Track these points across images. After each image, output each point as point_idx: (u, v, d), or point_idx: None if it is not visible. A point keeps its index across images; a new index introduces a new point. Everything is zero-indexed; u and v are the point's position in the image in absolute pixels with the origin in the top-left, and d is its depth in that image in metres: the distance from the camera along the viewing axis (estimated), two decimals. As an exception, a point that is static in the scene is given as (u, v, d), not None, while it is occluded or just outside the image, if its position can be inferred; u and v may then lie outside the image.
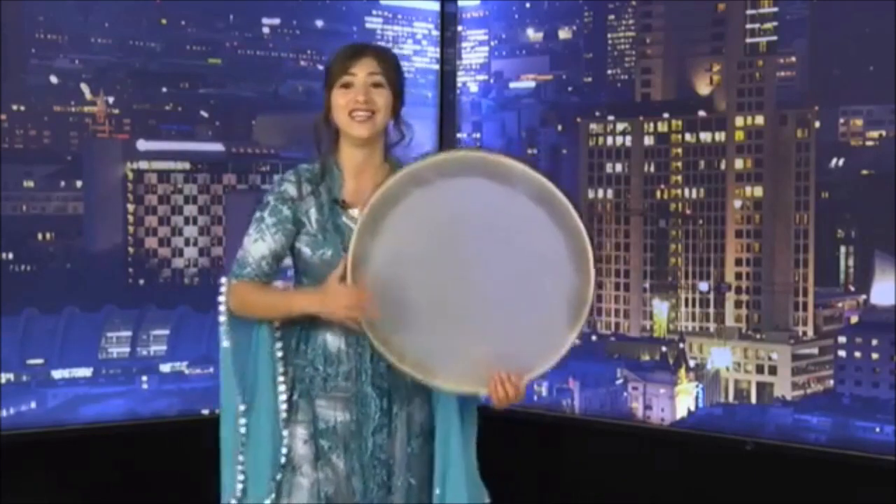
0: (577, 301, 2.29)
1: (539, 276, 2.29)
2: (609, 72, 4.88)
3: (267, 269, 2.37)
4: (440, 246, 2.29)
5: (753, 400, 4.35)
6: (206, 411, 4.34)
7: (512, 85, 5.13)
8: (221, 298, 2.37)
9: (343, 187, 2.42)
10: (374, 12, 5.00)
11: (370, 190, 2.33)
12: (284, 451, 2.39)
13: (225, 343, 2.39)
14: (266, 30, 4.75)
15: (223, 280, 2.39)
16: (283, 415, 2.39)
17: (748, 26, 4.39)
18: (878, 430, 3.93)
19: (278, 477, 2.39)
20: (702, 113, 4.51)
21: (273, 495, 2.38)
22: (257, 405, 2.38)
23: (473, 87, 5.13)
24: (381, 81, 2.37)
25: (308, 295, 2.34)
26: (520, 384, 2.33)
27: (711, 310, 4.44)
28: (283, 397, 2.39)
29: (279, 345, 2.40)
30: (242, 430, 2.38)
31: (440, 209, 2.28)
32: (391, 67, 2.40)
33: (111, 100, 4.41)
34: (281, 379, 2.39)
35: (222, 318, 2.38)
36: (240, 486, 2.40)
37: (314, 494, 2.38)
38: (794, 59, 4.40)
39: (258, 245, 2.37)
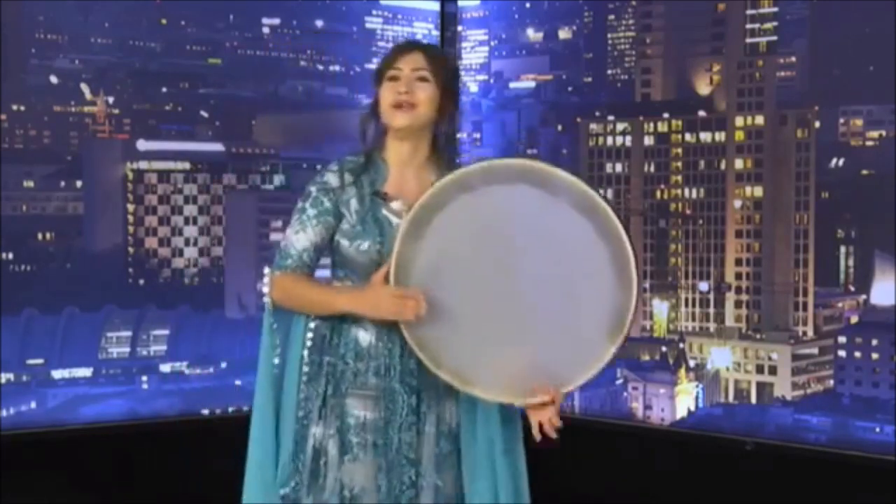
0: (619, 314, 2.27)
1: (581, 287, 2.27)
2: (609, 72, 4.88)
3: (308, 261, 2.37)
4: (482, 252, 2.28)
5: (753, 400, 4.35)
6: (206, 411, 4.34)
7: (512, 85, 5.13)
8: (266, 290, 2.37)
9: (386, 180, 2.41)
10: (374, 12, 5.00)
11: (413, 185, 2.35)
12: (312, 445, 2.39)
13: (266, 335, 2.39)
14: (266, 30, 4.76)
15: (266, 271, 2.40)
16: (307, 411, 2.40)
17: (748, 26, 4.39)
18: (878, 430, 3.93)
19: (303, 470, 2.39)
20: (702, 113, 4.51)
21: (293, 483, 2.39)
22: (286, 397, 2.39)
23: (473, 87, 5.13)
24: (426, 76, 2.36)
25: (352, 295, 2.34)
26: (557, 397, 2.32)
27: (711, 310, 4.44)
28: (304, 394, 2.40)
29: (309, 335, 2.40)
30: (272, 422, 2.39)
31: (484, 216, 2.27)
32: (439, 65, 2.39)
33: (111, 100, 4.41)
34: (307, 370, 2.40)
35: (267, 309, 2.39)
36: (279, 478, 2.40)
37: (339, 490, 2.38)
38: (794, 59, 4.40)
39: (300, 237, 2.37)
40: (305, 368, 2.39)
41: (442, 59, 2.41)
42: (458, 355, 2.29)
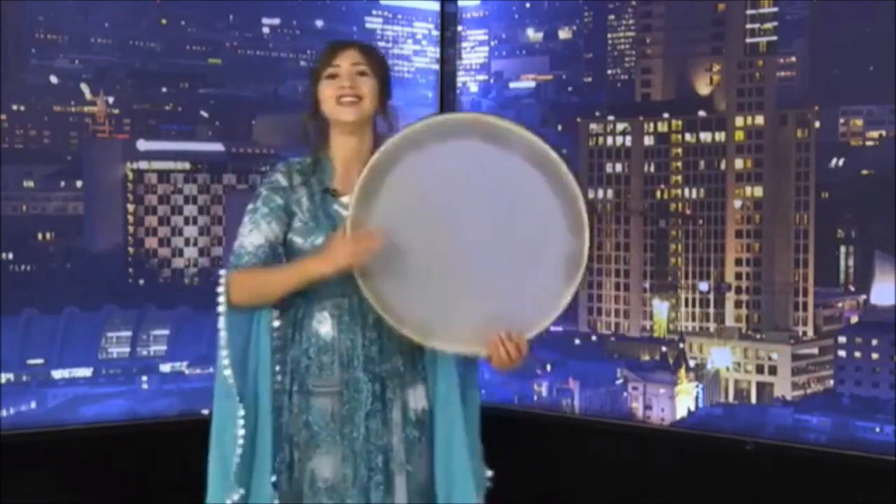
0: (574, 260, 2.32)
1: (536, 237, 2.33)
2: (609, 72, 4.88)
3: (264, 257, 2.40)
4: (437, 208, 2.32)
5: (753, 400, 4.35)
6: (206, 411, 4.31)
7: (512, 85, 5.13)
8: (220, 290, 2.38)
9: (333, 177, 2.46)
10: (374, 12, 5.00)
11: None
12: (289, 440, 2.43)
13: (223, 337, 2.40)
14: (266, 30, 4.75)
15: (222, 273, 2.40)
16: (278, 405, 2.42)
17: (748, 26, 4.39)
18: (878, 430, 3.93)
19: (283, 467, 2.42)
20: (702, 113, 4.51)
21: (273, 481, 2.40)
22: (258, 398, 2.40)
23: (473, 87, 5.13)
24: (365, 70, 2.42)
25: (311, 259, 2.36)
26: (520, 343, 2.35)
27: (711, 310, 4.44)
28: (277, 388, 2.41)
29: (276, 334, 2.43)
30: (241, 421, 2.39)
31: (437, 171, 2.31)
32: (375, 59, 2.45)
33: (111, 100, 4.41)
34: (277, 368, 2.42)
35: (221, 310, 2.40)
36: (234, 481, 2.41)
37: (310, 481, 2.41)
38: (794, 59, 4.40)
39: (254, 234, 2.41)
40: (277, 367, 2.43)
41: (376, 53, 2.47)
42: (420, 310, 2.33)
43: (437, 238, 2.32)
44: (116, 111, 4.43)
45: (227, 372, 2.38)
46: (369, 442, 2.41)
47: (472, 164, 2.31)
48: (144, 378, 4.41)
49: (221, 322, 2.39)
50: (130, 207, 4.47)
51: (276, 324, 2.42)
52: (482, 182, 2.31)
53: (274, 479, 2.41)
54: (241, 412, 2.39)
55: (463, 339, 2.37)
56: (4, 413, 4.05)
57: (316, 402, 2.42)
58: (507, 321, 2.34)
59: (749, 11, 4.39)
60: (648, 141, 4.64)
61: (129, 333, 4.42)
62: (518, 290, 2.34)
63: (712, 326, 4.43)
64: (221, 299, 2.39)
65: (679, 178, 4.54)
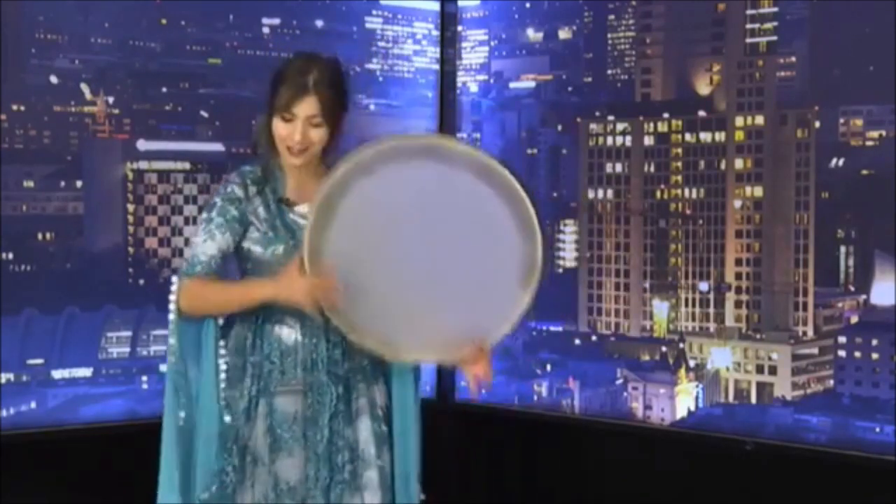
0: (528, 265, 2.40)
1: (489, 246, 2.40)
2: (609, 72, 4.88)
3: (216, 267, 2.42)
4: (391, 229, 2.38)
5: (753, 400, 4.35)
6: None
7: (512, 85, 5.13)
8: (172, 297, 2.41)
9: (286, 187, 2.48)
10: (374, 12, 5.00)
11: (312, 187, 2.41)
12: (240, 445, 2.44)
13: (172, 341, 2.44)
14: (266, 30, 4.75)
15: (174, 279, 2.42)
16: (233, 412, 2.44)
17: (748, 26, 4.39)
18: (878, 430, 3.93)
19: (229, 470, 2.43)
20: (702, 113, 4.51)
21: (213, 488, 2.41)
22: (203, 401, 2.43)
23: (473, 87, 5.13)
24: (319, 122, 2.41)
25: (267, 284, 2.39)
26: (484, 347, 2.43)
27: (711, 310, 4.44)
28: (225, 396, 2.44)
29: (226, 340, 2.47)
30: (181, 423, 2.44)
31: (388, 194, 2.36)
32: (332, 105, 2.41)
33: (111, 100, 4.41)
34: (224, 374, 2.45)
35: (172, 317, 2.44)
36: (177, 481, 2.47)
37: (273, 484, 2.44)
38: (794, 59, 4.40)
39: (208, 244, 2.42)
40: (224, 374, 2.45)
41: (335, 97, 2.41)
42: (385, 329, 2.40)
43: (393, 257, 2.38)
44: (116, 111, 4.43)
45: (172, 377, 2.43)
46: (332, 443, 2.45)
47: (423, 183, 2.37)
48: (144, 378, 4.41)
49: (171, 328, 2.44)
50: (130, 207, 4.47)
51: (234, 330, 2.46)
52: (433, 200, 2.38)
53: (203, 496, 2.43)
54: (183, 413, 2.44)
55: (427, 350, 2.46)
56: (4, 413, 4.05)
57: (279, 403, 2.44)
58: (470, 329, 2.42)
59: (749, 11, 4.39)
60: (648, 141, 4.64)
61: (129, 333, 4.42)
62: (477, 300, 2.42)
63: (712, 326, 4.43)
64: (172, 307, 2.42)
65: (679, 178, 4.54)
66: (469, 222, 2.39)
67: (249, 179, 2.46)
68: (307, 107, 2.39)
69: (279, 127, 2.42)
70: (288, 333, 2.44)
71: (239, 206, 2.43)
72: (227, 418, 2.43)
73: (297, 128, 2.39)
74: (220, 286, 2.43)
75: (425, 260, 2.39)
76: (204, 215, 2.45)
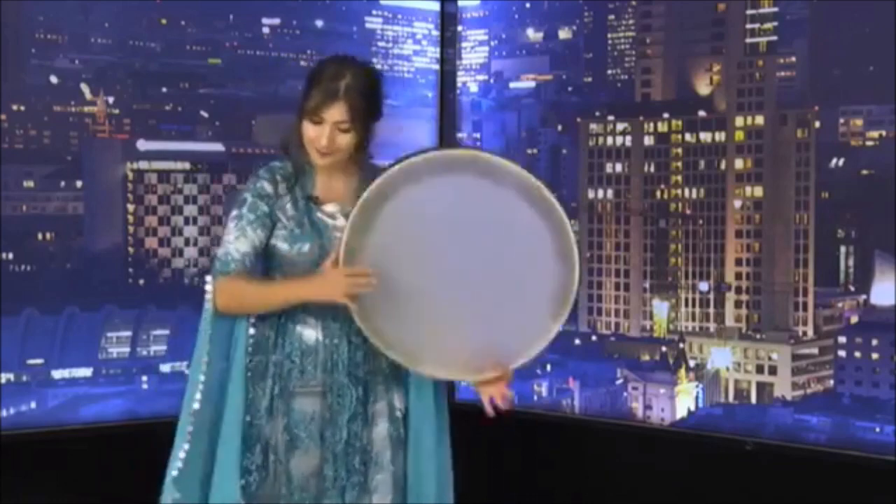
0: (562, 293, 2.39)
1: (525, 269, 2.39)
2: (609, 72, 4.88)
3: (250, 265, 2.42)
4: (430, 240, 2.37)
5: (753, 400, 4.35)
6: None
7: (512, 85, 5.13)
8: (208, 297, 2.41)
9: (315, 185, 2.48)
10: (374, 12, 5.00)
11: (340, 186, 2.44)
12: (262, 443, 2.44)
13: (203, 338, 2.44)
14: (266, 30, 4.75)
15: (208, 279, 2.41)
16: (256, 410, 2.44)
17: (748, 26, 4.39)
18: (878, 430, 3.93)
19: (252, 468, 2.42)
20: (702, 113, 4.51)
21: (242, 483, 2.41)
22: (226, 402, 2.42)
23: (473, 87, 5.13)
24: (348, 128, 2.40)
25: (304, 284, 2.39)
26: (506, 372, 2.42)
27: (711, 310, 4.44)
28: (251, 395, 2.43)
29: (251, 339, 2.45)
30: (202, 415, 2.42)
31: (430, 205, 2.35)
32: (362, 111, 2.40)
33: (111, 100, 4.41)
34: (249, 373, 2.44)
35: (207, 317, 2.43)
36: (176, 472, 2.48)
37: (286, 482, 2.44)
38: (794, 59, 4.40)
39: (241, 242, 2.42)
40: (249, 372, 2.44)
41: (365, 102, 2.40)
42: (409, 338, 2.38)
43: (428, 269, 2.37)
44: (116, 111, 4.43)
45: (202, 377, 2.41)
46: (349, 444, 2.44)
47: (466, 198, 2.36)
48: (144, 378, 4.41)
49: (206, 327, 2.43)
50: (130, 207, 4.47)
51: (253, 330, 2.45)
52: (475, 215, 2.37)
53: (244, 479, 2.42)
54: (196, 406, 2.42)
55: (450, 367, 2.44)
56: (4, 413, 4.05)
57: (297, 404, 2.44)
58: (495, 350, 2.41)
59: (749, 11, 4.39)
60: (648, 141, 4.64)
61: (129, 333, 4.42)
62: (506, 322, 2.41)
63: (712, 326, 4.43)
64: (208, 306, 2.42)
65: (679, 178, 4.54)
66: (507, 242, 2.38)
67: (279, 175, 2.46)
68: (336, 112, 2.38)
69: (308, 129, 2.42)
70: (310, 333, 2.44)
71: (268, 201, 2.43)
72: (247, 417, 2.43)
73: (324, 132, 2.39)
74: (257, 287, 2.43)
75: (459, 275, 2.38)
76: (234, 212, 2.44)
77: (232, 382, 2.42)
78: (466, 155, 2.41)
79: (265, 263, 2.47)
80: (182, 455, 2.46)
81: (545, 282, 2.38)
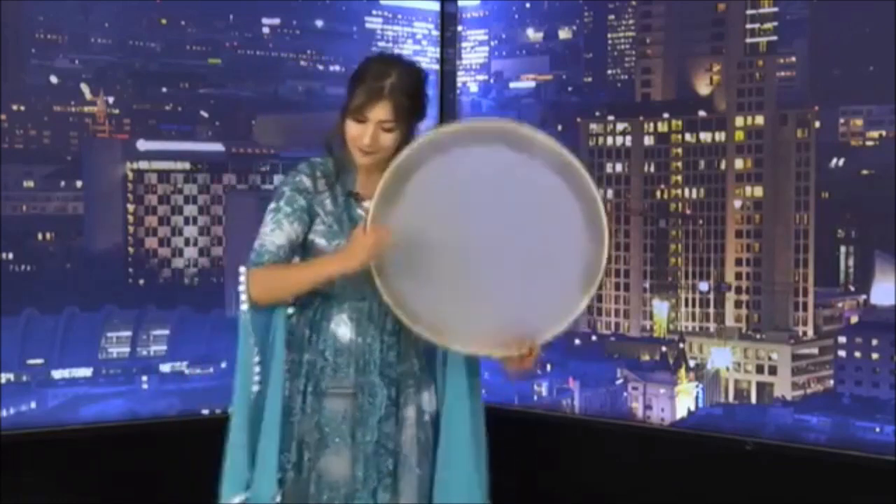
0: (591, 267, 2.36)
1: (554, 243, 2.36)
2: (609, 72, 4.88)
3: (284, 257, 2.41)
4: (458, 212, 2.35)
5: (753, 400, 4.35)
6: (206, 411, 4.34)
7: (512, 85, 5.13)
8: (242, 288, 2.39)
9: (356, 181, 2.47)
10: (374, 12, 5.00)
11: None
12: (297, 440, 2.44)
13: (246, 332, 2.40)
14: (266, 30, 4.75)
15: (242, 270, 2.40)
16: (291, 407, 2.43)
17: (748, 26, 4.39)
18: (878, 430, 3.93)
19: (288, 466, 2.43)
20: (702, 113, 4.51)
21: (278, 484, 2.41)
22: (266, 398, 2.41)
23: (473, 87, 5.13)
24: (391, 127, 2.38)
25: (331, 258, 2.38)
26: (534, 347, 2.38)
27: (711, 310, 4.44)
28: (288, 391, 2.43)
29: (290, 337, 2.45)
30: (252, 397, 2.40)
31: (458, 176, 2.33)
32: (406, 111, 2.39)
33: (111, 100, 4.41)
34: (286, 367, 2.43)
35: (244, 308, 2.40)
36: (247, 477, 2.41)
37: (317, 480, 2.43)
38: (794, 59, 4.40)
39: (276, 234, 2.41)
40: (286, 365, 2.43)
41: (409, 101, 2.39)
42: (436, 311, 2.35)
43: (456, 241, 2.35)
44: (116, 111, 4.43)
45: (257, 368, 2.39)
46: (380, 445, 2.43)
47: (495, 169, 2.33)
48: (144, 378, 4.41)
49: (244, 320, 2.40)
50: (130, 207, 4.47)
51: (291, 324, 2.44)
52: (503, 188, 2.34)
53: (280, 475, 2.42)
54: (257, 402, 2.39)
55: (477, 341, 2.39)
56: (4, 413, 4.05)
57: (328, 403, 2.43)
58: (522, 325, 2.37)
59: (749, 11, 4.39)
60: (648, 141, 4.64)
61: (129, 333, 4.42)
62: (534, 295, 2.37)
63: (712, 326, 4.43)
64: (243, 297, 2.39)
65: (679, 178, 4.54)
66: (537, 214, 2.35)
67: (320, 171, 2.45)
68: (380, 111, 2.37)
69: (351, 127, 2.40)
70: (344, 332, 2.44)
71: (307, 196, 2.42)
72: (286, 412, 2.42)
73: (368, 131, 2.37)
74: (286, 268, 2.40)
75: (487, 247, 2.35)
76: (272, 205, 2.43)
77: (272, 378, 2.41)
78: (497, 126, 2.37)
79: (303, 259, 2.45)
80: (274, 449, 2.41)
81: (575, 254, 2.35)
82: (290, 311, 2.44)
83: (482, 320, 2.37)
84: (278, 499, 2.41)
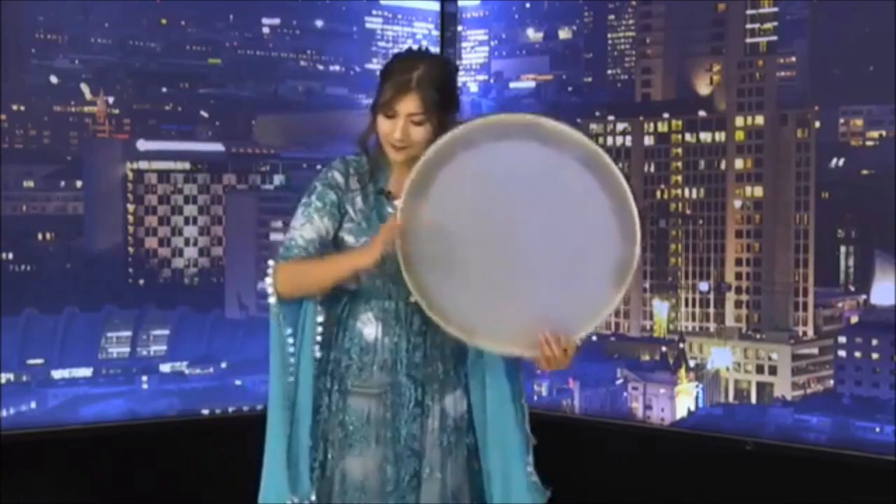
0: (623, 264, 2.31)
1: (586, 239, 2.32)
2: (609, 72, 4.88)
3: (314, 251, 2.38)
4: (487, 207, 2.31)
5: (753, 400, 4.35)
6: (206, 411, 4.34)
7: (512, 85, 5.13)
8: (269, 281, 2.37)
9: (388, 179, 2.45)
10: (374, 12, 5.01)
11: None
12: (324, 439, 2.43)
13: (277, 323, 2.38)
14: (266, 30, 4.76)
15: (270, 263, 2.39)
16: (318, 405, 2.42)
17: (748, 26, 4.39)
18: (878, 430, 3.93)
19: (315, 465, 2.42)
20: (702, 113, 4.51)
21: (307, 477, 2.40)
22: (297, 396, 2.40)
23: (473, 87, 5.13)
24: (421, 120, 2.36)
25: (355, 252, 2.36)
26: (568, 345, 2.36)
27: (711, 310, 4.44)
28: (316, 389, 2.41)
29: (319, 329, 2.42)
30: (289, 385, 2.38)
31: (488, 171, 2.30)
32: (435, 103, 2.36)
33: (111, 100, 4.41)
34: (315, 363, 2.41)
35: (272, 301, 2.38)
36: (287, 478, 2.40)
37: (341, 480, 2.42)
38: (794, 59, 4.40)
39: (306, 228, 2.39)
40: (316, 362, 2.41)
41: (438, 93, 2.37)
42: (466, 309, 2.32)
43: (486, 237, 2.31)
44: (116, 111, 4.43)
45: (291, 360, 2.37)
46: (406, 446, 2.42)
47: (526, 165, 2.29)
48: (144, 378, 4.41)
49: (273, 312, 2.38)
50: (130, 207, 4.47)
51: (320, 318, 2.41)
52: (535, 183, 2.30)
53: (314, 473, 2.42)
54: (287, 405, 2.38)
55: (509, 340, 2.35)
56: (4, 413, 4.05)
57: (352, 402, 2.42)
58: (554, 323, 2.33)
59: (749, 11, 4.39)
60: (648, 141, 4.64)
61: (129, 333, 4.42)
62: (566, 293, 2.33)
63: (712, 326, 4.43)
64: (270, 290, 2.37)
65: (679, 178, 4.54)
66: (568, 210, 2.30)
67: (353, 168, 2.44)
68: (409, 104, 2.34)
69: (382, 123, 2.38)
70: (370, 331, 2.42)
71: (338, 192, 2.41)
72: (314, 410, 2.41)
73: (398, 125, 2.35)
74: (309, 261, 2.37)
75: (518, 243, 2.31)
76: (303, 199, 2.42)
77: (303, 375, 2.39)
78: (525, 120, 2.32)
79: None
80: (306, 447, 2.40)
81: (607, 250, 2.30)
82: (319, 307, 2.42)
83: (514, 319, 2.33)
84: (313, 497, 2.40)
